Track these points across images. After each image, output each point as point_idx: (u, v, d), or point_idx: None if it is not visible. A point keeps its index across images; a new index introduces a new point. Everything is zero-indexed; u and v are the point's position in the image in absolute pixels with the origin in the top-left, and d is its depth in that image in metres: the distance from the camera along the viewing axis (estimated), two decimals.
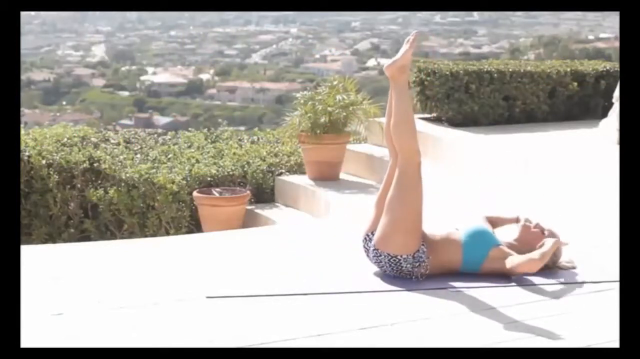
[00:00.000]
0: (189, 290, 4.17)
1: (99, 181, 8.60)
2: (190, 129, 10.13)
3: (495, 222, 4.67)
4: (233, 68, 61.67)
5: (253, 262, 4.82)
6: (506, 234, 4.54)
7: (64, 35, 70.53)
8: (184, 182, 8.15)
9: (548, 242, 4.37)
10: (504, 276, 4.30)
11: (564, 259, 4.48)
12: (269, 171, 8.59)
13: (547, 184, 6.92)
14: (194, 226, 8.13)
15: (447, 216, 5.29)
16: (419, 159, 4.26)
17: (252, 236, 6.17)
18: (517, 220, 4.60)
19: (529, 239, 4.47)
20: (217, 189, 8.08)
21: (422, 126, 9.16)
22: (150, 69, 61.48)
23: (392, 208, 4.22)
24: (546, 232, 4.49)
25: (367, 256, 4.38)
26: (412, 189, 4.22)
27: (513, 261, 4.28)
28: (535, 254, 4.30)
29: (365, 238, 4.39)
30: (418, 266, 4.24)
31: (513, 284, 4.25)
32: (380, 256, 4.27)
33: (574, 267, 4.47)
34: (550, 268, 4.40)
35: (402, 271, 4.26)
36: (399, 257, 4.23)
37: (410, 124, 4.27)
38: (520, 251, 4.40)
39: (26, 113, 44.25)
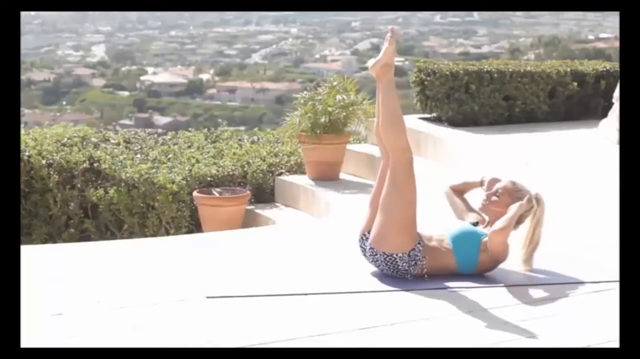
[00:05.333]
0: (189, 290, 4.17)
1: (99, 181, 8.60)
2: (190, 129, 10.12)
3: (461, 190, 4.71)
4: (233, 68, 61.66)
5: (253, 262, 4.82)
6: (477, 217, 4.53)
7: (64, 35, 70.55)
8: (184, 182, 8.15)
9: (512, 208, 4.32)
10: (503, 276, 4.31)
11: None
12: (269, 171, 8.59)
13: (547, 184, 6.91)
14: (194, 226, 8.13)
15: (447, 217, 5.28)
16: (410, 155, 4.25)
17: (252, 236, 6.17)
18: (481, 183, 4.60)
19: (493, 209, 4.43)
20: (217, 189, 8.07)
21: (422, 126, 9.16)
22: (150, 69, 61.48)
23: (386, 207, 4.22)
24: (500, 191, 4.43)
25: (364, 255, 4.38)
26: (406, 187, 4.22)
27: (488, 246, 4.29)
28: (499, 223, 4.26)
29: (361, 238, 4.39)
30: (414, 265, 4.24)
31: (512, 284, 4.25)
32: (377, 255, 4.27)
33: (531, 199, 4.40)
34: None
35: (398, 270, 4.26)
36: (394, 256, 4.23)
37: (398, 122, 4.26)
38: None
39: (26, 113, 44.25)
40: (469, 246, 4.30)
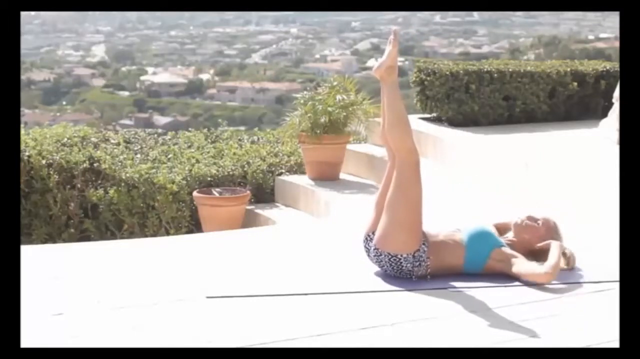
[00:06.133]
0: (189, 290, 4.17)
1: (99, 181, 8.60)
2: (190, 129, 10.13)
3: (501, 229, 4.69)
4: (233, 68, 61.71)
5: (253, 262, 4.82)
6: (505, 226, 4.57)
7: (64, 35, 70.61)
8: (184, 182, 8.15)
9: (553, 250, 4.33)
10: (505, 276, 4.31)
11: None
12: (269, 171, 8.59)
13: (547, 184, 6.92)
14: (194, 226, 8.13)
15: (448, 216, 5.29)
16: (416, 157, 4.26)
17: (252, 236, 6.17)
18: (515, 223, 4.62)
19: (524, 235, 4.47)
20: (217, 189, 8.07)
21: (422, 126, 9.16)
22: (150, 69, 61.53)
23: (391, 208, 4.22)
24: (540, 221, 4.48)
25: (368, 256, 4.38)
26: (411, 188, 4.22)
27: (521, 267, 4.27)
28: (548, 268, 4.23)
29: (366, 238, 4.39)
30: (418, 266, 4.24)
31: (513, 284, 4.25)
32: (381, 255, 4.28)
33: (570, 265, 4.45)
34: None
35: (402, 271, 4.26)
36: (399, 256, 4.23)
37: (404, 124, 4.27)
38: (520, 248, 4.41)
39: (26, 113, 44.27)
40: (482, 246, 4.31)
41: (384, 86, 4.29)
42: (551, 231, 4.49)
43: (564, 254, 4.41)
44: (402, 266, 4.25)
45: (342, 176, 8.52)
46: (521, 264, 4.28)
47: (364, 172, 8.62)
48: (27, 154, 8.79)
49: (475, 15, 70.76)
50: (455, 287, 4.18)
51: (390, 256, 4.25)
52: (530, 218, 4.51)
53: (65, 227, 8.73)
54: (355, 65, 55.34)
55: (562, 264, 4.40)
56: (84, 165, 8.67)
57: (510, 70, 9.74)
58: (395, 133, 4.27)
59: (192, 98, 56.57)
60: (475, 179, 7.36)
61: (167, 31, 70.68)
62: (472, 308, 3.90)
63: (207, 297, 4.05)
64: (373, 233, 4.34)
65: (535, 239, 4.45)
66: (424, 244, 4.26)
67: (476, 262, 4.31)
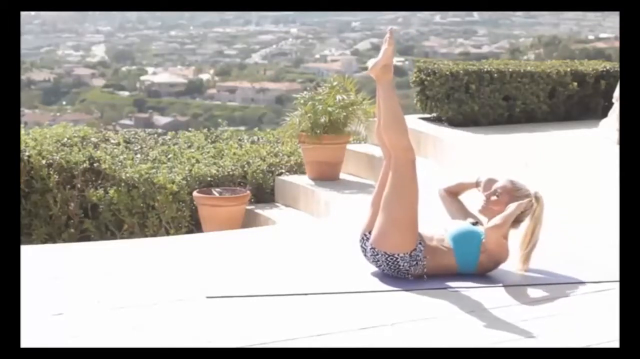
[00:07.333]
0: (189, 290, 4.17)
1: (99, 181, 8.60)
2: (190, 129, 10.13)
3: (456, 191, 4.66)
4: (233, 68, 61.72)
5: (253, 262, 4.82)
6: (476, 215, 4.53)
7: (64, 35, 70.63)
8: (184, 182, 8.15)
9: (510, 206, 4.32)
10: (504, 276, 4.31)
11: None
12: (269, 171, 8.59)
13: (547, 184, 6.91)
14: (194, 226, 8.13)
15: (448, 216, 5.28)
16: (412, 156, 4.25)
17: (252, 236, 6.17)
18: (477, 184, 4.57)
19: (494, 208, 4.40)
20: (217, 189, 8.08)
21: (422, 126, 9.16)
22: (150, 69, 61.54)
23: (387, 207, 4.22)
24: (499, 191, 4.40)
25: (365, 255, 4.38)
26: (407, 187, 4.22)
27: (485, 240, 4.27)
28: (496, 219, 4.27)
29: (362, 238, 4.39)
30: (415, 265, 4.24)
31: (512, 284, 4.25)
32: (377, 254, 4.27)
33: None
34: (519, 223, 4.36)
35: (399, 270, 4.26)
36: (396, 255, 4.23)
37: (399, 123, 4.27)
38: None
39: (26, 113, 44.29)
40: (469, 246, 4.30)
41: (379, 85, 4.30)
42: (513, 193, 4.41)
43: (536, 198, 4.35)
44: (399, 266, 4.24)
45: (342, 176, 8.52)
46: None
47: (363, 172, 8.62)
48: (27, 154, 8.79)
49: (475, 15, 70.78)
50: (453, 287, 4.18)
51: (387, 256, 4.25)
52: (489, 182, 4.46)
53: (65, 227, 8.74)
54: (355, 65, 55.31)
55: (534, 206, 4.33)
56: (84, 165, 8.67)
57: (510, 70, 9.75)
58: (391, 132, 4.27)
59: (192, 98, 56.58)
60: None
61: (167, 31, 70.70)
62: (471, 308, 3.90)
63: (207, 297, 4.05)
64: (369, 233, 4.34)
65: (504, 207, 4.39)
66: (420, 243, 4.25)
67: (469, 262, 4.30)
